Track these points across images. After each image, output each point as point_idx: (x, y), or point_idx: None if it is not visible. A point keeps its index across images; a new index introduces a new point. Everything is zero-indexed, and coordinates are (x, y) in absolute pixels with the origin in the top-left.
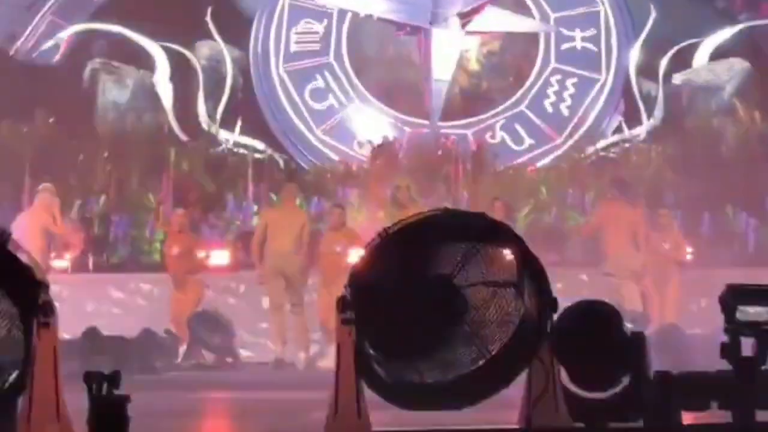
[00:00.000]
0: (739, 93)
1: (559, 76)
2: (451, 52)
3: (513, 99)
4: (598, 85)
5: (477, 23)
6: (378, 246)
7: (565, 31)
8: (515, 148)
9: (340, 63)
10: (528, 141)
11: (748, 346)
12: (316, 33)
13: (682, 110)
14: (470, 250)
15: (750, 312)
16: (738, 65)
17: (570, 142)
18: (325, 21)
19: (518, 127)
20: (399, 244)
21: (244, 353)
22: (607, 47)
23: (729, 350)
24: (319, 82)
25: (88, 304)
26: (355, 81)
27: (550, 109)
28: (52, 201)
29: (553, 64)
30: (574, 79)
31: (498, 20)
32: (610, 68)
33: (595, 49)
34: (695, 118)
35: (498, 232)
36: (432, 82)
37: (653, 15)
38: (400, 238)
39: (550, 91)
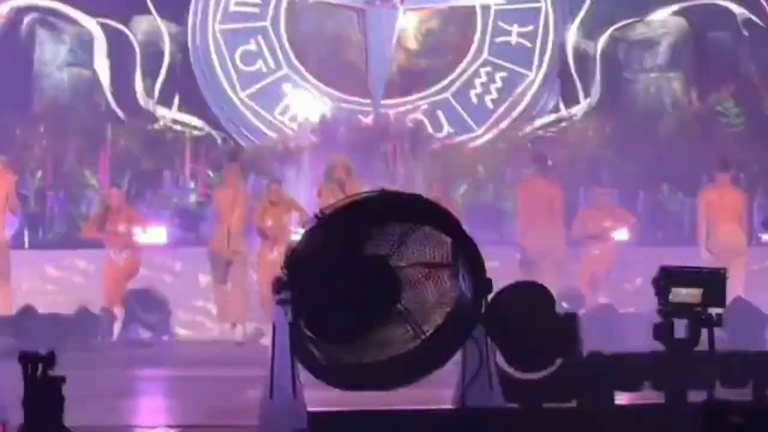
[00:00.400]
0: (674, 51)
1: (489, 69)
2: (389, 30)
3: (439, 85)
4: (526, 82)
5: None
6: (314, 227)
7: (503, 25)
8: (434, 133)
9: (276, 30)
10: (447, 128)
11: (680, 328)
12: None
13: (618, 86)
14: (406, 231)
15: (683, 293)
16: (673, 21)
17: (487, 136)
18: None
19: (440, 114)
20: (335, 226)
21: (180, 331)
22: (542, 44)
23: (662, 331)
24: (251, 46)
25: (24, 281)
26: (289, 51)
27: (474, 100)
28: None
29: (485, 56)
30: (504, 74)
31: None
32: (542, 66)
33: (529, 45)
34: (631, 86)
35: (434, 214)
36: (370, 61)
37: None
38: (336, 220)
39: (477, 82)
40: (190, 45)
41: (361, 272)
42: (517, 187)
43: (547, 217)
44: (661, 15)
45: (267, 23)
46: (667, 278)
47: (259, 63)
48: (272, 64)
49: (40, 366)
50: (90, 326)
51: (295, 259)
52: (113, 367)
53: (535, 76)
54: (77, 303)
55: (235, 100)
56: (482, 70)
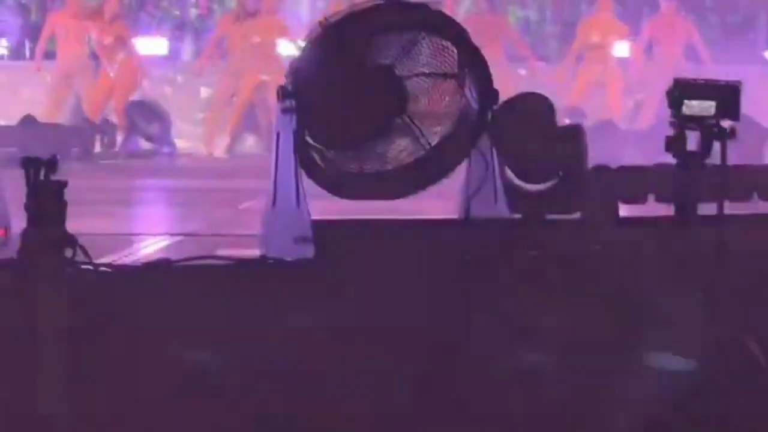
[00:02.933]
0: None
1: None
2: None
3: None
4: None
5: None
6: (318, 35)
7: None
8: None
9: None
10: None
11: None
12: None
13: None
14: (412, 40)
15: (696, 105)
16: None
17: None
18: None
19: None
20: (340, 34)
21: (180, 143)
22: None
23: (674, 144)
24: None
25: (25, 90)
26: None
27: None
28: None
29: None
30: None
31: None
32: None
33: None
34: None
35: (440, 23)
36: None
37: None
38: (340, 27)
39: None
40: None
41: (366, 81)
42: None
43: (491, 46)
44: None
45: None
46: (680, 90)
47: None
48: None
49: (42, 170)
50: (91, 136)
51: (298, 67)
52: (114, 177)
53: None
54: (79, 113)
55: None
56: None
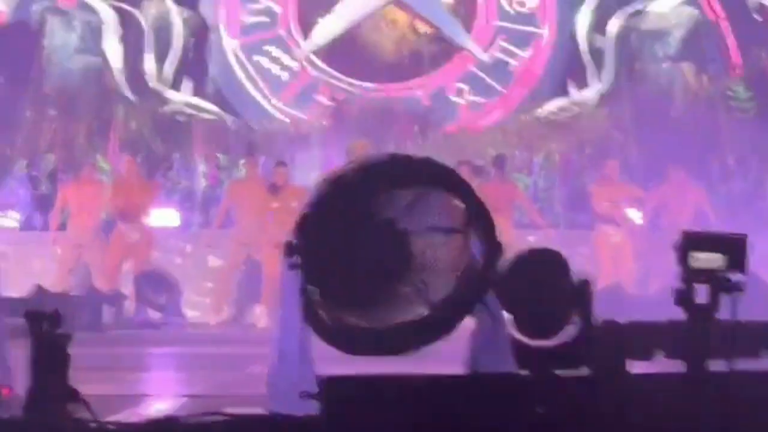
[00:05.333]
0: (687, 42)
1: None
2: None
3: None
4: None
5: None
6: (324, 191)
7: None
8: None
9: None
10: (477, 98)
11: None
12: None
13: (631, 71)
14: (417, 195)
15: (704, 258)
16: (687, 11)
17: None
18: None
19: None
20: (345, 189)
21: (190, 313)
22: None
23: (682, 297)
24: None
25: (35, 262)
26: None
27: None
28: None
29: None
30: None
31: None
32: (552, 24)
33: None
34: (642, 75)
35: (445, 177)
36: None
37: None
38: (346, 183)
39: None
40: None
41: (372, 237)
42: (479, 188)
43: (501, 213)
44: (674, 10)
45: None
46: (688, 243)
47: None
48: (277, 39)
49: (45, 324)
50: (100, 306)
51: (305, 223)
52: (123, 345)
53: (547, 32)
54: (88, 284)
55: (243, 79)
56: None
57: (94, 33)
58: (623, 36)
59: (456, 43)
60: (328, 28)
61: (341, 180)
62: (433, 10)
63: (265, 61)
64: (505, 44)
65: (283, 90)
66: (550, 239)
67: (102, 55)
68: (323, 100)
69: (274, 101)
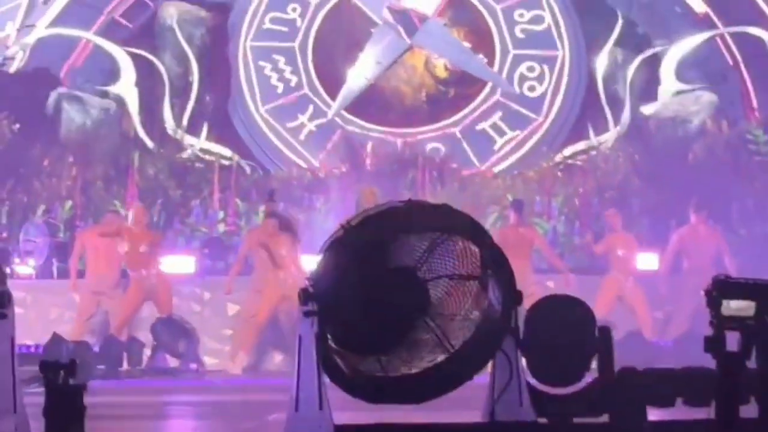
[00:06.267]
0: (707, 125)
1: (499, 110)
2: (388, 54)
3: (452, 119)
4: (534, 125)
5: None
6: (340, 238)
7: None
8: (499, 137)
9: (303, 52)
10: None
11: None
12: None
13: (648, 115)
14: (434, 242)
15: (735, 306)
16: (705, 98)
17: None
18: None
19: (463, 143)
20: (362, 236)
21: (208, 360)
22: (555, 90)
23: (713, 344)
24: (278, 64)
25: (52, 310)
26: (313, 75)
27: (483, 137)
28: None
29: (497, 97)
30: (513, 115)
31: (445, 45)
32: (552, 110)
33: (542, 89)
34: (661, 118)
35: (462, 224)
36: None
37: (620, 22)
38: (362, 230)
39: (488, 120)
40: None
41: (388, 283)
42: (498, 233)
43: (520, 257)
44: (694, 41)
45: (295, 44)
46: (719, 289)
47: (284, 83)
48: (295, 85)
49: (61, 374)
50: (118, 354)
51: (321, 269)
52: (140, 394)
53: (544, 120)
54: (105, 331)
55: (256, 116)
56: (493, 111)
57: (110, 117)
58: (641, 80)
59: (483, 78)
60: (352, 88)
61: (358, 227)
62: (454, 50)
63: (292, 124)
64: (527, 73)
65: (311, 139)
66: (569, 284)
67: (120, 99)
68: (341, 145)
69: (291, 141)
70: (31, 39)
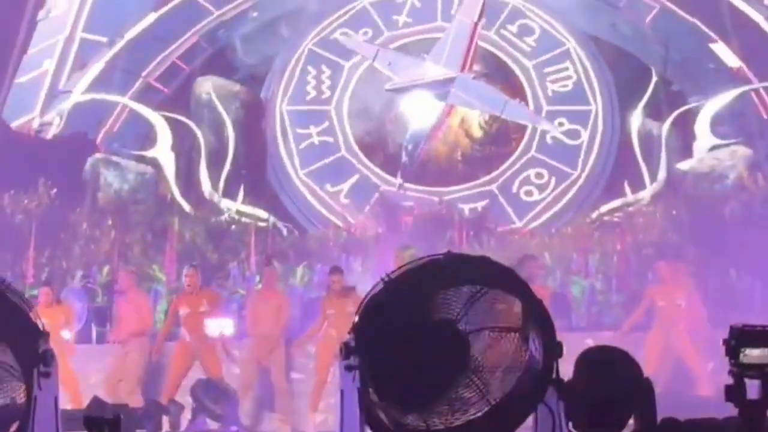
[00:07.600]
0: (743, 179)
1: (535, 167)
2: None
3: (488, 177)
4: (570, 179)
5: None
6: (381, 291)
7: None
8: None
9: (339, 114)
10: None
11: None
12: (325, 81)
13: (685, 171)
14: (474, 294)
15: (755, 353)
16: (741, 152)
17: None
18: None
19: (502, 202)
20: (402, 289)
21: (247, 422)
22: (589, 144)
23: (733, 393)
24: (315, 128)
25: (92, 375)
26: (350, 136)
27: (519, 195)
28: None
29: (533, 153)
30: (549, 171)
31: (479, 95)
32: (587, 164)
33: (576, 143)
34: (696, 173)
35: (502, 276)
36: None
37: (654, 79)
38: (402, 283)
39: (522, 177)
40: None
41: (429, 337)
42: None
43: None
44: (729, 96)
45: (331, 107)
46: (737, 338)
47: (321, 146)
48: (333, 148)
49: (105, 429)
50: (158, 417)
51: (362, 323)
52: None
53: (579, 174)
54: (146, 395)
55: (295, 179)
56: (529, 167)
57: (147, 182)
58: (677, 136)
59: (523, 122)
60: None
61: (398, 280)
62: (490, 97)
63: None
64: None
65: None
66: (607, 343)
67: (156, 165)
68: (378, 205)
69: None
70: (67, 105)
